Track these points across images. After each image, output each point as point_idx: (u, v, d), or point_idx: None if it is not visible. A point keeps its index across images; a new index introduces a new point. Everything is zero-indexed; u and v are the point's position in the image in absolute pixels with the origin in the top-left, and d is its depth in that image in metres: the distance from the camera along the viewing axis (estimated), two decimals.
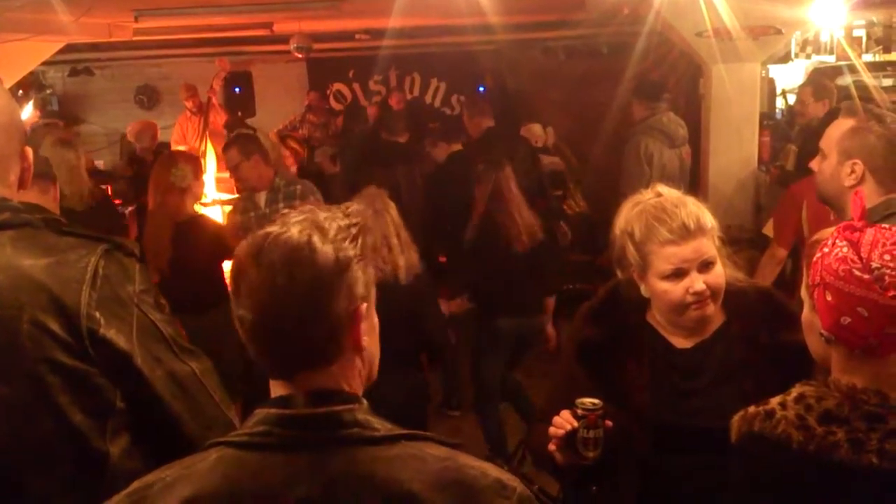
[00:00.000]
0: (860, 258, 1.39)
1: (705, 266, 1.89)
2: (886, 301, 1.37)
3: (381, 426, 1.21)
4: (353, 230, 1.23)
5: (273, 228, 1.22)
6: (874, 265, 1.38)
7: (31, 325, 1.44)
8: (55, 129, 6.24)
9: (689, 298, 1.88)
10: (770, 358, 1.87)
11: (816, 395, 1.45)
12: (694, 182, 5.52)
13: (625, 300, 2.02)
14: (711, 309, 1.92)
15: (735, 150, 5.09)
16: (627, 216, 1.98)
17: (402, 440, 1.20)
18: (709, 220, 1.92)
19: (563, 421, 1.83)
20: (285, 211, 1.27)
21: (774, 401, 1.49)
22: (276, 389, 1.23)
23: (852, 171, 2.32)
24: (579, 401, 1.83)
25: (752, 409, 1.51)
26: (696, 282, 1.88)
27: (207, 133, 8.49)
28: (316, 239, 1.19)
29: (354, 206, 1.29)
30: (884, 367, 1.42)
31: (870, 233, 1.42)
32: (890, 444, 1.36)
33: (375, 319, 1.30)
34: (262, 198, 4.45)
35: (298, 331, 1.18)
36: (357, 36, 7.65)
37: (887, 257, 1.38)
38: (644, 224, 1.92)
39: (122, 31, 5.65)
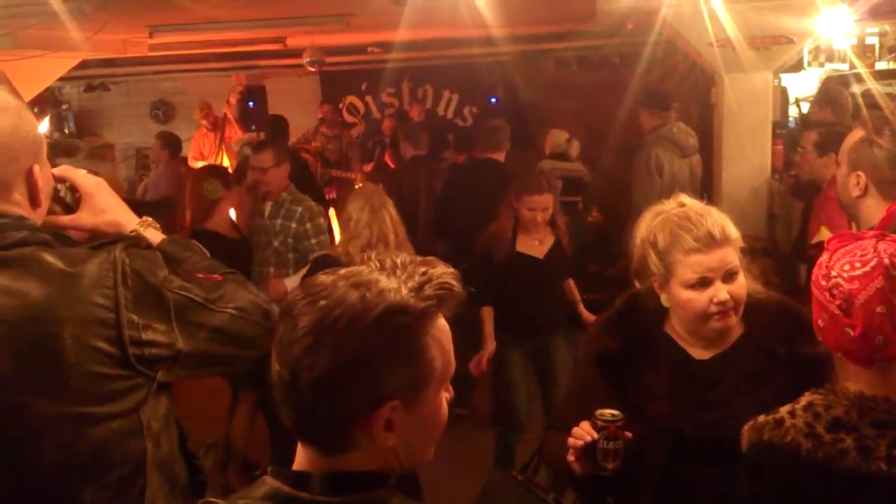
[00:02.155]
0: (827, 267, 1.44)
1: (729, 276, 1.89)
2: (833, 310, 1.43)
3: None
4: (406, 319, 1.06)
5: (323, 281, 1.09)
6: (833, 274, 1.44)
7: (73, 340, 1.46)
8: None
9: (713, 308, 1.88)
10: (788, 370, 1.87)
11: (825, 402, 1.45)
12: (707, 191, 5.50)
13: (643, 311, 2.02)
14: (733, 320, 1.92)
15: (748, 159, 5.07)
16: (650, 225, 1.97)
17: None
18: (733, 230, 1.92)
19: (583, 432, 1.83)
20: (369, 257, 1.14)
21: (784, 409, 1.50)
22: (300, 454, 1.14)
23: (857, 183, 2.34)
24: (599, 412, 1.83)
25: (761, 418, 1.51)
26: (721, 291, 1.87)
27: (224, 148, 8.57)
28: (350, 319, 1.05)
29: (443, 276, 1.10)
30: (891, 375, 1.42)
31: (860, 244, 1.45)
32: None
33: (432, 407, 1.13)
34: (267, 207, 4.51)
35: (304, 408, 1.08)
36: (369, 49, 7.70)
37: (846, 268, 1.42)
38: (669, 233, 1.91)
39: (136, 47, 5.72)
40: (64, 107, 10.63)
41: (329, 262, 3.30)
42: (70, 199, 1.75)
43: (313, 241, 4.34)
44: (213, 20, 5.02)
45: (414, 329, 1.07)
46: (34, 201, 1.57)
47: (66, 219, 1.73)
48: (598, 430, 1.81)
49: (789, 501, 1.45)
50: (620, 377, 1.97)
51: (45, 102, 8.52)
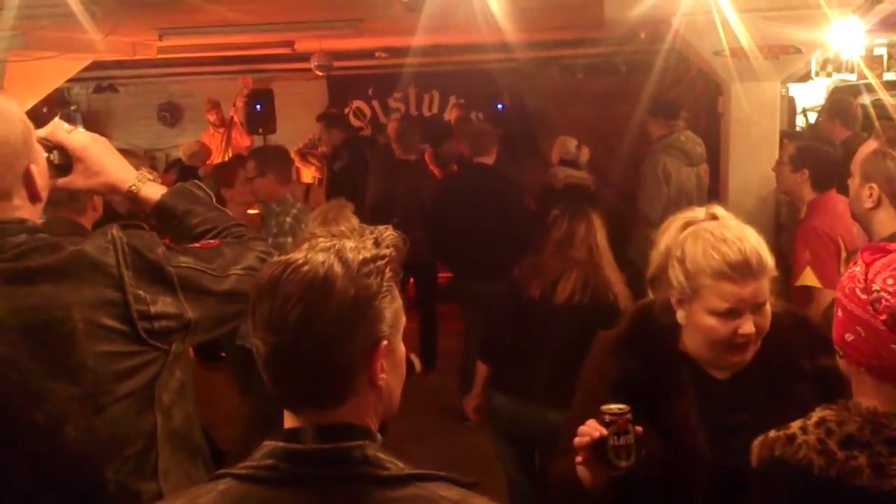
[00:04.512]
0: (865, 279, 1.41)
1: (758, 308, 1.76)
2: (878, 324, 1.39)
3: (393, 465, 1.16)
4: (381, 262, 1.18)
5: (295, 255, 1.17)
6: (874, 287, 1.40)
7: (84, 322, 1.48)
8: None
9: (738, 339, 1.76)
10: (812, 383, 1.78)
11: (837, 419, 1.44)
12: (714, 200, 5.50)
13: (656, 327, 1.88)
14: (751, 353, 1.80)
15: (755, 168, 5.07)
16: (676, 237, 1.81)
17: (413, 481, 1.16)
18: (769, 258, 1.77)
19: (590, 429, 1.69)
20: (315, 233, 1.23)
21: (795, 425, 1.48)
22: (288, 419, 1.21)
23: (870, 194, 2.33)
24: (605, 407, 1.71)
25: (772, 433, 1.50)
26: (747, 324, 1.74)
27: (230, 150, 8.58)
28: (337, 273, 1.14)
29: (389, 232, 1.24)
30: None
31: (891, 257, 1.42)
32: None
33: (401, 352, 1.26)
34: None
35: (309, 369, 1.15)
36: (377, 54, 7.71)
37: (890, 282, 1.39)
38: (700, 251, 1.75)
39: (146, 49, 5.74)
40: (73, 108, 10.66)
41: None
42: (63, 162, 1.72)
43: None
44: (223, 23, 5.04)
45: (387, 271, 1.19)
46: (35, 198, 1.57)
47: (60, 181, 1.72)
48: (606, 425, 1.68)
49: None
50: (642, 404, 1.76)
51: (53, 103, 8.53)
